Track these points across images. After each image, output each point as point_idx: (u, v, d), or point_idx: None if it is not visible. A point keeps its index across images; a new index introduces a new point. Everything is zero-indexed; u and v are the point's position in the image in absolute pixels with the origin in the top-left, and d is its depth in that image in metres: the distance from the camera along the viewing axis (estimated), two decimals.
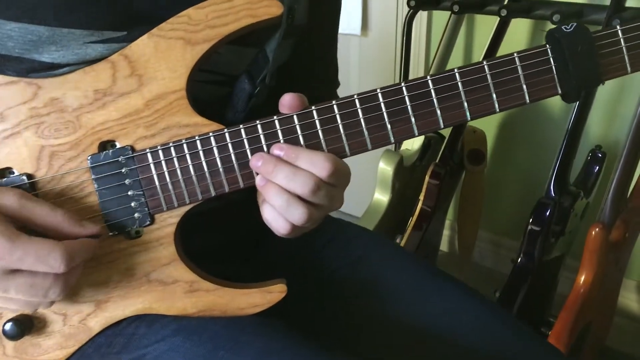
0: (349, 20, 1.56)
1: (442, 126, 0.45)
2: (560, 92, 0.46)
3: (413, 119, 0.44)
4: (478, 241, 1.47)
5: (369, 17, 1.56)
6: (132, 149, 0.44)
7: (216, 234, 0.55)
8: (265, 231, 0.46)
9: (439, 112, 0.44)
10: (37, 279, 0.38)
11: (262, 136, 0.44)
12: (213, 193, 0.44)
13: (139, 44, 0.43)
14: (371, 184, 1.29)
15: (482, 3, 1.12)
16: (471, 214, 1.40)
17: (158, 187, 0.44)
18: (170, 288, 0.45)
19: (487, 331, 0.54)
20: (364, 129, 0.44)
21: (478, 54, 1.38)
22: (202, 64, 0.45)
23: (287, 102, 0.43)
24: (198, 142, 0.44)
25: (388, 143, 0.45)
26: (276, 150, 0.43)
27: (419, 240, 1.19)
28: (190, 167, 0.44)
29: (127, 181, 0.44)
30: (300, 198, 0.42)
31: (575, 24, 0.45)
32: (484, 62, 0.44)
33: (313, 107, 0.44)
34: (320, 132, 0.44)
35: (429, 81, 0.44)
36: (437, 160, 1.23)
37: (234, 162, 0.44)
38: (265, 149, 0.44)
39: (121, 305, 0.45)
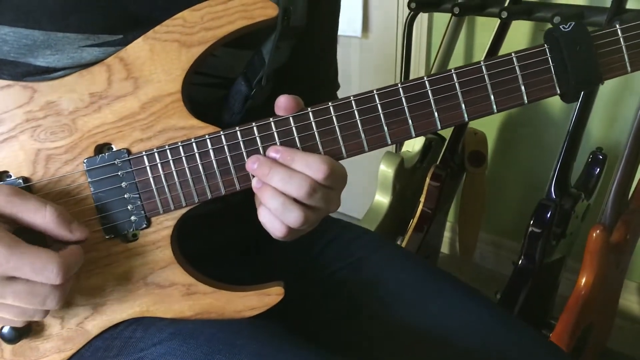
0: (349, 21, 1.56)
1: (440, 127, 0.45)
2: (559, 92, 0.45)
3: (410, 120, 0.44)
4: (479, 243, 1.47)
5: (369, 18, 1.56)
6: (128, 151, 0.43)
7: (215, 237, 0.54)
8: (264, 234, 0.45)
9: (436, 113, 0.44)
10: (35, 287, 0.38)
11: (258, 138, 0.44)
12: (209, 195, 0.44)
13: (134, 47, 0.43)
14: (372, 185, 1.29)
15: (483, 5, 1.12)
16: (472, 216, 1.40)
17: (154, 189, 0.44)
18: (167, 291, 0.45)
19: (488, 331, 0.53)
20: (361, 131, 0.44)
21: (478, 56, 1.37)
22: (198, 67, 0.45)
23: (283, 103, 0.43)
24: (194, 144, 0.43)
25: (385, 144, 0.45)
26: (272, 152, 0.43)
27: (420, 241, 1.19)
28: (187, 169, 0.44)
29: (123, 184, 0.44)
30: (296, 201, 0.42)
31: (573, 23, 0.44)
32: (482, 62, 0.44)
33: (309, 109, 0.44)
34: (316, 133, 0.44)
35: (426, 82, 0.44)
36: (437, 162, 1.23)
37: (230, 164, 0.44)
38: (261, 151, 0.44)
39: (118, 309, 0.45)
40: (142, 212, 0.44)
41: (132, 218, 0.44)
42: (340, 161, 0.44)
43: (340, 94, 0.62)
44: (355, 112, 0.44)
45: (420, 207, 1.21)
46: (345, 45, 1.58)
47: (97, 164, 0.43)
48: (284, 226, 0.43)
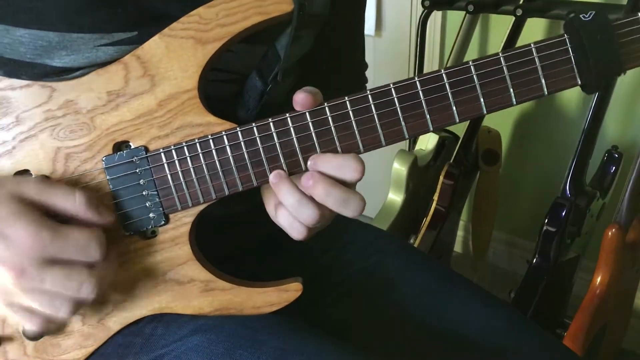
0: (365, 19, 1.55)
1: (458, 120, 0.44)
2: (579, 82, 0.44)
3: (427, 114, 0.44)
4: (493, 242, 1.46)
5: (383, 17, 1.55)
6: (146, 149, 0.44)
7: (239, 238, 0.55)
8: (285, 237, 0.45)
9: (453, 106, 0.44)
10: (73, 271, 0.38)
11: (274, 134, 0.44)
12: (227, 192, 0.44)
13: (150, 44, 0.43)
14: (385, 184, 1.29)
15: (497, 3, 1.11)
16: (486, 215, 1.39)
17: (172, 186, 0.44)
18: (186, 287, 0.46)
19: (503, 336, 0.53)
20: (378, 125, 0.44)
21: None
22: (214, 63, 0.45)
23: (300, 99, 0.43)
24: (211, 141, 0.44)
25: (402, 139, 0.45)
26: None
27: (433, 240, 1.19)
28: (204, 166, 0.44)
29: (141, 181, 0.44)
30: (311, 198, 0.42)
31: (593, 12, 0.43)
32: (500, 54, 0.43)
33: (325, 104, 0.43)
34: (333, 128, 0.43)
35: (443, 75, 0.43)
36: (451, 161, 1.22)
37: (247, 160, 0.44)
38: (278, 147, 0.44)
39: (138, 305, 0.46)
40: (161, 209, 0.44)
41: (151, 215, 0.44)
42: None
43: None
44: (372, 107, 0.43)
45: (434, 205, 1.21)
46: None
47: (116, 162, 0.44)
48: (302, 226, 0.43)
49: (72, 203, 0.39)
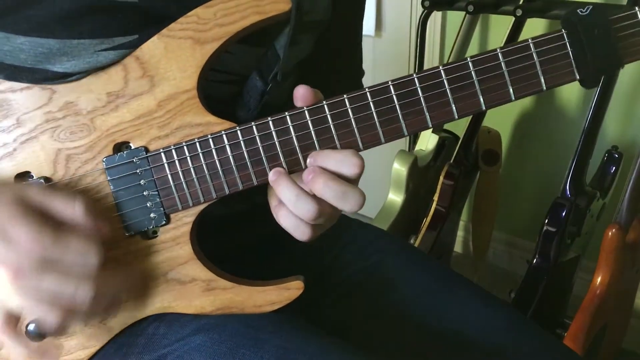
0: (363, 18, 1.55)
1: (457, 117, 0.44)
2: (578, 77, 0.44)
3: (426, 110, 0.44)
4: (493, 242, 1.46)
5: (382, 17, 1.55)
6: (146, 149, 0.44)
7: (240, 237, 0.55)
8: (286, 236, 0.46)
9: (452, 102, 0.44)
10: (71, 275, 0.38)
11: (274, 133, 0.44)
12: (227, 191, 0.44)
13: (149, 45, 0.43)
14: (385, 184, 1.29)
15: (497, 3, 1.11)
16: (486, 215, 1.39)
17: (172, 186, 0.44)
18: (187, 287, 0.46)
19: (502, 336, 0.53)
20: (377, 122, 0.44)
21: None
22: (213, 63, 0.45)
23: (301, 94, 0.43)
24: (210, 140, 0.44)
25: (402, 136, 0.45)
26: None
27: (434, 240, 1.19)
28: (204, 165, 0.44)
29: (142, 182, 0.44)
30: (310, 194, 0.42)
31: (591, 6, 0.43)
32: (498, 50, 0.43)
33: (324, 102, 0.43)
34: (332, 126, 0.44)
35: (442, 71, 0.43)
36: (451, 161, 1.22)
37: (247, 159, 0.44)
38: (277, 145, 0.44)
39: (141, 305, 0.46)
40: (161, 208, 0.44)
41: (152, 215, 0.44)
42: None
43: None
44: (371, 104, 0.43)
45: (434, 205, 1.21)
46: None
47: (116, 163, 0.44)
48: (303, 224, 0.43)
49: (71, 209, 0.40)
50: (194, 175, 0.44)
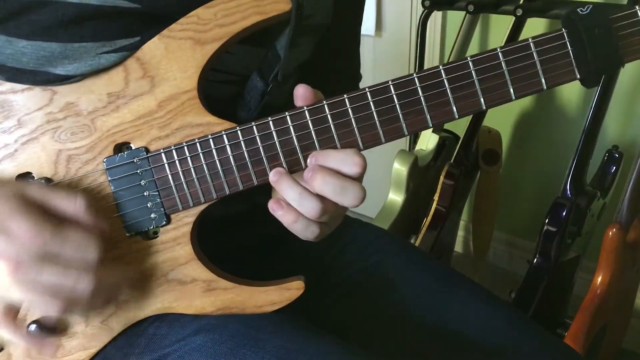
0: (362, 20, 1.55)
1: (457, 116, 0.44)
2: (578, 76, 0.44)
3: (426, 110, 0.44)
4: (493, 242, 1.46)
5: (383, 17, 1.55)
6: (147, 150, 0.44)
7: (241, 237, 0.55)
8: (286, 236, 0.46)
9: (452, 102, 0.44)
10: (70, 268, 0.39)
11: (274, 133, 0.44)
12: (227, 191, 0.44)
13: (150, 46, 0.43)
14: (385, 184, 1.29)
15: (497, 3, 1.11)
16: (486, 215, 1.39)
17: (173, 186, 0.44)
18: (188, 287, 0.46)
19: (503, 335, 0.53)
20: (377, 122, 0.44)
21: None
22: (213, 64, 0.45)
23: (301, 94, 0.43)
24: (211, 140, 0.44)
25: (402, 135, 0.45)
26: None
27: (434, 240, 1.19)
28: (204, 165, 0.44)
29: (142, 182, 0.44)
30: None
31: (591, 5, 0.43)
32: (498, 49, 0.44)
33: (324, 102, 0.43)
34: (332, 126, 0.44)
35: (442, 71, 0.43)
36: (451, 161, 1.22)
37: (247, 159, 0.44)
38: (277, 145, 0.44)
39: (141, 306, 0.46)
40: (162, 209, 0.44)
41: (152, 215, 0.44)
42: None
43: None
44: (371, 104, 0.43)
45: (434, 205, 1.21)
46: None
47: (117, 163, 0.44)
48: (310, 224, 0.43)
49: (72, 205, 0.40)
50: (194, 176, 0.44)
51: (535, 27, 1.20)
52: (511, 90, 0.44)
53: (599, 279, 0.93)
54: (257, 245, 0.58)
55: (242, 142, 0.44)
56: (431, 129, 1.30)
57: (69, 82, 0.43)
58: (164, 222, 0.45)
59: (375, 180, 1.46)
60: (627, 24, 0.43)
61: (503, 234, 1.52)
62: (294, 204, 0.42)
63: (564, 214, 0.99)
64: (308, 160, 0.43)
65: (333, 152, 0.43)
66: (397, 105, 0.43)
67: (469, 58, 0.43)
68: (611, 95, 1.00)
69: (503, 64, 0.43)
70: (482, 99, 0.44)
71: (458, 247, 1.57)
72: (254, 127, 0.44)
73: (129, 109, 0.44)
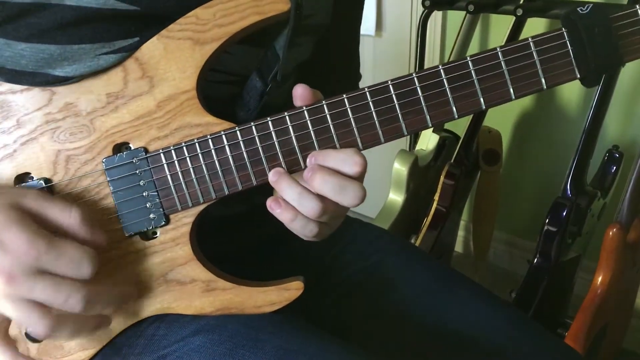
0: (363, 20, 1.55)
1: (457, 116, 0.44)
2: (578, 76, 0.44)
3: (426, 110, 0.44)
4: (493, 242, 1.46)
5: (383, 17, 1.55)
6: (146, 150, 0.44)
7: (240, 238, 0.55)
8: (286, 236, 0.45)
9: (452, 101, 0.44)
10: (63, 283, 0.38)
11: (273, 133, 0.44)
12: (227, 191, 0.44)
13: (148, 46, 0.43)
14: (386, 184, 1.29)
15: (498, 3, 1.11)
16: (486, 215, 1.39)
17: (172, 187, 0.44)
18: (187, 288, 0.46)
19: (503, 335, 0.53)
20: (376, 122, 0.43)
21: None
22: (212, 64, 0.45)
23: (300, 94, 0.43)
24: (210, 141, 0.44)
25: (401, 135, 0.45)
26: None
27: (434, 240, 1.19)
28: (203, 166, 0.44)
29: (141, 182, 0.44)
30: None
31: (591, 5, 0.43)
32: (498, 49, 0.43)
33: (323, 102, 0.43)
34: (331, 126, 0.44)
35: (441, 70, 0.43)
36: (452, 161, 1.22)
37: (246, 159, 0.44)
38: (276, 145, 0.44)
39: (140, 306, 0.46)
40: (161, 209, 0.44)
41: (151, 216, 0.44)
42: None
43: None
44: (370, 104, 0.43)
45: (435, 205, 1.21)
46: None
47: (116, 163, 0.44)
48: (311, 224, 0.43)
49: (67, 217, 0.39)
50: (193, 176, 0.44)
51: (535, 27, 1.20)
52: (511, 89, 0.44)
53: (600, 278, 0.93)
54: (257, 246, 0.58)
55: (241, 143, 0.44)
56: (431, 129, 1.30)
57: (68, 83, 0.43)
58: (163, 223, 0.45)
59: (376, 180, 1.46)
60: (627, 23, 0.43)
61: (503, 234, 1.52)
62: (294, 204, 0.42)
63: (564, 214, 0.99)
64: (307, 160, 0.43)
65: (333, 152, 0.43)
66: (397, 105, 0.43)
67: (468, 58, 0.43)
68: (611, 95, 1.00)
69: (503, 64, 0.43)
70: (481, 99, 0.44)
71: (458, 247, 1.57)
72: (253, 127, 0.44)
73: (127, 110, 0.44)
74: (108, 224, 0.44)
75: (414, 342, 0.54)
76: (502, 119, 1.37)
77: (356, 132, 0.44)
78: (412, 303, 0.56)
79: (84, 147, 0.44)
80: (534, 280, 1.02)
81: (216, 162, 0.44)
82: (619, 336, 1.13)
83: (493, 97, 0.44)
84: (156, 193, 0.44)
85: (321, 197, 0.42)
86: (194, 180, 0.44)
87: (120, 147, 0.44)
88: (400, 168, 1.24)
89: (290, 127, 0.43)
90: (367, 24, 1.56)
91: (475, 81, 0.43)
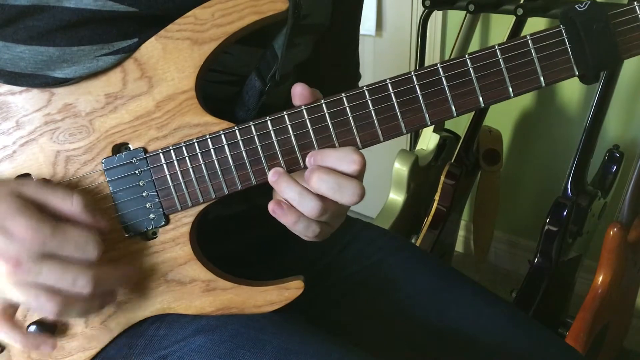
0: (363, 20, 1.55)
1: (455, 114, 0.44)
2: (577, 73, 0.44)
3: (425, 108, 0.44)
4: (494, 242, 1.46)
5: (383, 17, 1.55)
6: (145, 150, 0.44)
7: (239, 238, 0.55)
8: (286, 236, 0.45)
9: (451, 99, 0.44)
10: (69, 266, 0.39)
11: (272, 132, 0.44)
12: (226, 191, 0.44)
13: (147, 46, 0.43)
14: (386, 184, 1.29)
15: (498, 2, 1.11)
16: (487, 215, 1.40)
17: (171, 187, 0.44)
18: (187, 287, 0.46)
19: (504, 334, 0.53)
20: (375, 120, 0.44)
21: None
22: (211, 64, 0.45)
23: (299, 93, 0.43)
24: (209, 140, 0.44)
25: (401, 134, 0.45)
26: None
27: (435, 240, 1.19)
28: (203, 165, 0.44)
29: (141, 182, 0.44)
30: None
31: (589, 2, 0.43)
32: (496, 47, 0.43)
33: (322, 101, 0.43)
34: (330, 125, 0.44)
35: (440, 68, 0.43)
36: (452, 160, 1.22)
37: (246, 159, 0.44)
38: (276, 145, 0.44)
39: (140, 306, 0.46)
40: (161, 209, 0.44)
41: (151, 216, 0.44)
42: None
43: None
44: (369, 102, 0.43)
45: (435, 205, 1.21)
46: (359, 44, 1.58)
47: (115, 164, 0.44)
48: (312, 224, 0.43)
49: (69, 204, 0.40)
50: (192, 176, 0.44)
51: (535, 26, 1.20)
52: (509, 87, 0.44)
53: (600, 278, 0.93)
54: (257, 245, 0.58)
55: (240, 142, 0.44)
56: (432, 129, 1.30)
57: (67, 84, 0.44)
58: (163, 223, 0.45)
59: (376, 180, 1.46)
60: (625, 19, 0.43)
61: (504, 233, 1.52)
62: (294, 204, 0.42)
63: (564, 213, 0.99)
64: (307, 161, 0.43)
65: (331, 151, 0.43)
66: (395, 104, 0.43)
67: (467, 55, 0.43)
68: (612, 94, 1.00)
69: (501, 62, 0.43)
70: (480, 97, 0.44)
71: (459, 247, 1.57)
72: (252, 126, 0.44)
73: (127, 110, 0.44)
74: (109, 225, 0.44)
75: (415, 342, 0.54)
76: (502, 119, 1.37)
77: (355, 131, 0.44)
78: (413, 302, 0.56)
79: (83, 147, 0.44)
80: (534, 280, 1.02)
81: (215, 161, 0.44)
82: (619, 336, 1.13)
83: (492, 95, 0.44)
84: (156, 193, 0.44)
85: (321, 197, 0.42)
86: (194, 180, 0.44)
87: (119, 148, 0.44)
88: (401, 168, 1.24)
89: (289, 126, 0.44)
90: (367, 24, 1.56)
91: (474, 79, 0.43)
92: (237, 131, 0.44)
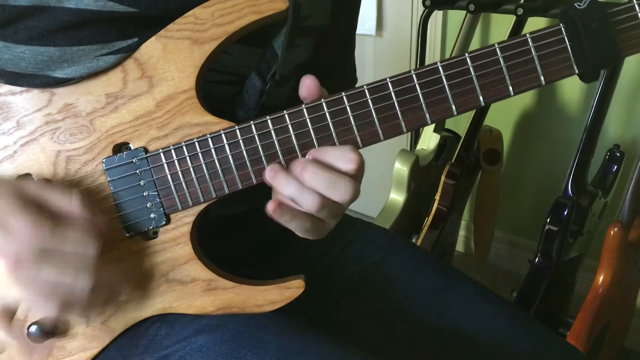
0: (363, 20, 1.56)
1: (455, 113, 0.44)
2: (577, 71, 0.44)
3: (425, 107, 0.44)
4: (494, 241, 1.46)
5: (383, 17, 1.55)
6: (146, 150, 0.44)
7: (240, 239, 0.55)
8: (287, 236, 0.45)
9: (451, 98, 0.44)
10: (70, 262, 0.39)
11: (272, 131, 0.44)
12: (227, 190, 0.44)
13: (147, 46, 0.43)
14: (387, 184, 1.29)
15: (498, 2, 1.11)
16: (487, 214, 1.40)
17: (172, 186, 0.44)
18: (188, 287, 0.46)
19: (505, 334, 0.53)
20: (375, 119, 0.44)
21: None
22: (211, 63, 0.45)
23: (306, 84, 0.43)
24: (209, 140, 0.44)
25: (401, 133, 0.45)
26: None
27: (435, 240, 1.19)
28: (203, 165, 0.44)
29: (141, 182, 0.44)
30: None
31: (589, 0, 0.43)
32: (496, 45, 0.43)
33: (322, 100, 0.43)
34: (330, 124, 0.44)
35: (440, 67, 0.43)
36: (453, 160, 1.22)
37: (246, 158, 0.44)
38: (276, 144, 0.44)
39: (141, 306, 0.46)
40: (161, 209, 0.44)
41: (152, 215, 0.44)
42: None
43: None
44: (369, 101, 0.43)
45: (435, 205, 1.21)
46: (360, 44, 1.57)
47: (116, 163, 0.44)
48: (310, 220, 0.43)
49: (68, 202, 0.40)
50: (193, 175, 0.44)
51: (536, 26, 1.20)
52: (509, 85, 0.44)
53: (601, 278, 0.93)
54: (258, 245, 0.58)
55: (240, 141, 0.44)
56: (432, 129, 1.30)
57: (68, 84, 0.44)
58: (164, 222, 0.45)
59: (377, 180, 1.46)
60: (625, 18, 0.43)
61: (504, 233, 1.52)
62: (294, 197, 0.42)
63: (565, 213, 0.99)
64: (306, 158, 0.43)
65: (329, 148, 0.43)
66: (396, 103, 0.43)
67: (467, 54, 0.43)
68: (612, 94, 1.00)
69: (501, 60, 0.43)
70: (480, 95, 0.44)
71: (459, 246, 1.57)
72: (253, 126, 0.44)
73: (127, 110, 0.44)
74: (108, 224, 0.44)
75: (416, 341, 0.54)
76: (503, 119, 1.37)
77: (355, 130, 0.44)
78: (414, 302, 0.56)
79: (84, 147, 0.44)
80: (535, 280, 1.02)
81: (216, 161, 0.44)
82: (620, 335, 1.12)
83: (492, 93, 0.44)
84: (156, 193, 0.44)
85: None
86: (194, 179, 0.44)
87: (120, 147, 0.44)
88: (401, 168, 1.24)
89: (289, 126, 0.44)
90: (367, 23, 1.56)
91: (474, 77, 0.43)
92: (237, 130, 0.44)
